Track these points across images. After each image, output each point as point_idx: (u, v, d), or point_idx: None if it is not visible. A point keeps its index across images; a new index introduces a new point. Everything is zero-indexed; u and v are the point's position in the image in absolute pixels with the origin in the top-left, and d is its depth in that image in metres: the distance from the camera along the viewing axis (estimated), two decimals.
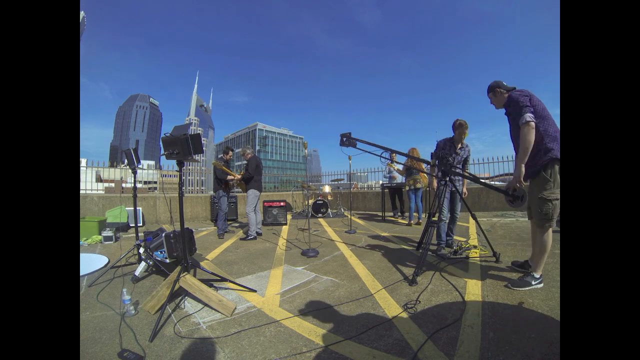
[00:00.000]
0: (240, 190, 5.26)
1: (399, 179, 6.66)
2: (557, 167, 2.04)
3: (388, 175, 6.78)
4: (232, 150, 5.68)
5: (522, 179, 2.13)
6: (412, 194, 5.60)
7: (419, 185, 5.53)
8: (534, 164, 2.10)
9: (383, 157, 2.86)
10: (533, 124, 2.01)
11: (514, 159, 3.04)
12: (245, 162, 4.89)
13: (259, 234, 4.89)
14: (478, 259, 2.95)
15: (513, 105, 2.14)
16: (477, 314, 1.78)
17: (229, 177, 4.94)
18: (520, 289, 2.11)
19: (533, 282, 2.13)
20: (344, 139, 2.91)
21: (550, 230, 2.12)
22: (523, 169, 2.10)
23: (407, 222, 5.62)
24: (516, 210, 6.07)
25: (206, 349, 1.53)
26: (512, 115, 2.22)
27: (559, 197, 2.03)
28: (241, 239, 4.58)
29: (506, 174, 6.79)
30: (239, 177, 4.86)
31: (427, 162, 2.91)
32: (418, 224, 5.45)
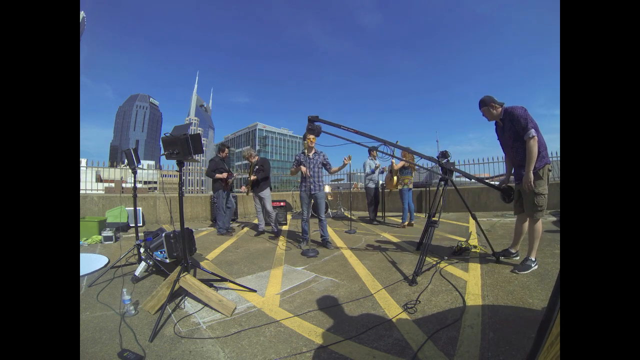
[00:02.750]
0: (240, 190, 5.25)
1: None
2: (546, 168, 2.45)
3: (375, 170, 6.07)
4: (228, 148, 5.64)
5: (531, 182, 2.39)
6: (406, 193, 5.37)
7: (410, 185, 5.42)
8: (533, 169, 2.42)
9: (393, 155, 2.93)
10: (536, 137, 2.34)
11: (504, 160, 3.59)
12: (247, 162, 4.96)
13: (261, 232, 4.96)
14: (478, 259, 2.95)
15: (515, 121, 2.43)
16: (477, 314, 1.78)
17: (252, 178, 4.88)
18: (525, 272, 2.41)
19: (533, 265, 2.47)
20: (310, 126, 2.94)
21: (540, 219, 2.49)
22: (532, 175, 2.38)
23: (400, 223, 5.41)
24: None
25: (206, 349, 1.53)
26: (510, 127, 2.52)
27: (547, 192, 2.45)
28: (271, 237, 4.70)
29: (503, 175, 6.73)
30: (255, 177, 4.82)
31: (433, 160, 2.88)
32: (410, 225, 5.30)
